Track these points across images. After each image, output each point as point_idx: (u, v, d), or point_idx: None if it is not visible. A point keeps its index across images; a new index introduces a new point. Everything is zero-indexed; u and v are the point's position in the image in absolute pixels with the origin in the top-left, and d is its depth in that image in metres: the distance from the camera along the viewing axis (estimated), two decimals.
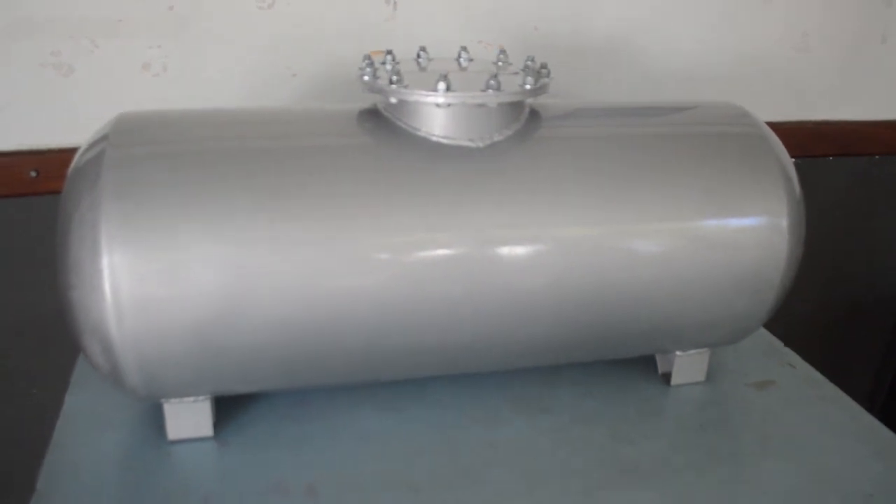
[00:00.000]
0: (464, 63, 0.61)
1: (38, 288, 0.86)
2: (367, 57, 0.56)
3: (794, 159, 1.07)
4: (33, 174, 0.80)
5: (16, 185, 0.80)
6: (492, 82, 0.50)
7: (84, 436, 0.58)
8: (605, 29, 0.92)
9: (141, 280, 0.47)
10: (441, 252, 0.52)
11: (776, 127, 1.01)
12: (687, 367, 0.66)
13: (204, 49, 0.80)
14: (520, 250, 0.53)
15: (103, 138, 0.52)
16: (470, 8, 0.86)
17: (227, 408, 0.60)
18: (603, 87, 0.94)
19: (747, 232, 0.58)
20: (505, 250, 0.53)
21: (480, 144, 0.53)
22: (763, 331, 0.76)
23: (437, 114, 0.52)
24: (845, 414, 0.64)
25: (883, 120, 1.08)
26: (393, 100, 0.52)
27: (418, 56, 0.61)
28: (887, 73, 1.06)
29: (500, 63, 0.60)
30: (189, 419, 0.56)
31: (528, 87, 0.52)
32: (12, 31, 0.74)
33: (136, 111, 0.56)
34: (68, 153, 0.80)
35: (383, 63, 0.59)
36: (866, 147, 1.09)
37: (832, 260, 1.17)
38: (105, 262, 0.47)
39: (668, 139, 0.59)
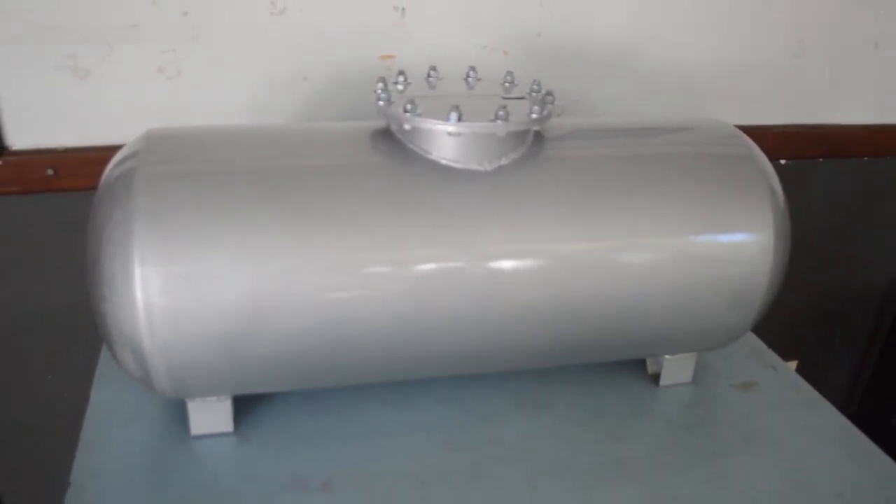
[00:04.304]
0: (472, 83, 0.64)
1: (55, 281, 0.89)
2: (382, 79, 0.59)
3: (786, 161, 1.11)
4: (50, 172, 0.83)
5: (33, 183, 0.83)
6: (500, 112, 0.53)
7: (111, 432, 0.62)
8: (606, 35, 0.94)
9: (171, 294, 0.51)
10: (450, 268, 0.55)
11: (770, 130, 1.06)
12: (675, 369, 0.70)
13: (217, 53, 0.83)
14: (522, 265, 0.57)
15: (133, 155, 0.55)
16: (476, 14, 0.88)
17: (246, 404, 0.64)
18: (602, 91, 0.97)
19: (735, 247, 0.62)
20: (508, 265, 0.57)
21: (488, 168, 0.56)
22: (748, 333, 0.80)
23: (447, 140, 0.55)
24: (822, 417, 0.69)
25: (874, 124, 1.12)
26: (407, 126, 0.55)
27: (429, 75, 0.64)
28: (879, 79, 1.09)
29: (506, 84, 0.63)
30: (211, 416, 0.60)
31: (534, 115, 0.55)
32: (32, 35, 0.77)
33: (164, 128, 0.59)
34: (83, 153, 0.84)
35: (395, 83, 0.62)
36: (856, 150, 1.13)
37: (820, 258, 1.22)
38: (137, 277, 0.50)
39: (663, 159, 0.62)
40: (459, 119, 0.53)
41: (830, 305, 1.28)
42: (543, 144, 0.60)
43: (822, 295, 1.27)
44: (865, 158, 1.15)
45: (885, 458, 0.63)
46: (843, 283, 1.27)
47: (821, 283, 1.25)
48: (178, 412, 0.62)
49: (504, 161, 0.57)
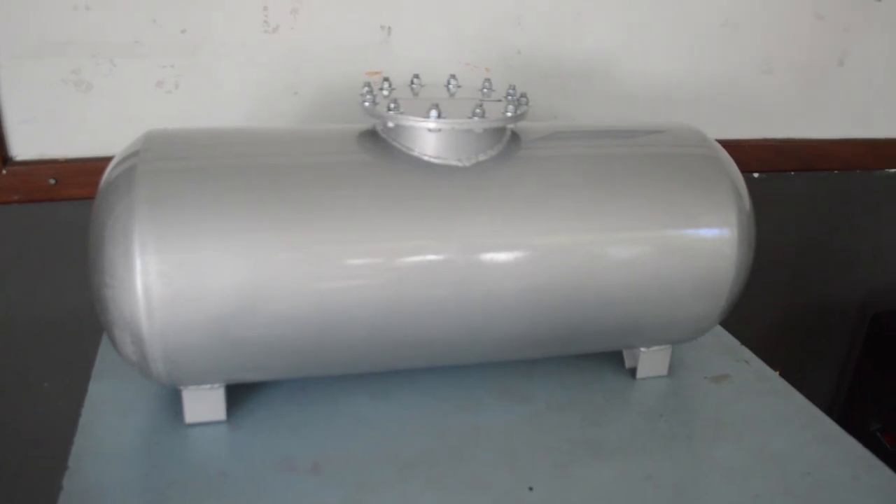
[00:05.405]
0: (452, 89, 0.68)
1: (55, 287, 0.92)
2: (367, 84, 0.63)
3: (758, 174, 1.16)
4: (52, 182, 0.86)
5: (36, 192, 0.87)
6: (477, 110, 0.58)
7: (108, 420, 0.64)
8: (582, 53, 0.99)
9: (169, 280, 0.54)
10: (431, 258, 0.59)
11: (742, 144, 1.11)
12: (651, 362, 0.73)
13: (213, 68, 0.87)
14: (501, 257, 0.61)
15: (134, 154, 0.59)
16: (458, 33, 0.93)
17: (238, 395, 0.67)
18: (579, 106, 1.02)
19: (701, 242, 0.66)
20: (488, 257, 0.60)
21: (467, 164, 0.60)
22: (722, 330, 0.83)
23: (428, 137, 0.59)
24: (791, 405, 0.72)
25: (841, 138, 1.17)
26: (390, 124, 0.59)
27: (412, 82, 0.68)
28: (845, 95, 1.15)
29: (484, 90, 0.67)
30: (205, 404, 0.63)
31: (508, 114, 0.60)
32: (39, 50, 0.81)
33: (162, 129, 0.62)
34: (84, 163, 0.87)
35: (381, 89, 0.66)
36: (826, 163, 1.18)
37: (793, 267, 1.26)
38: (137, 263, 0.54)
39: (633, 159, 0.67)
40: (439, 116, 0.57)
41: (809, 316, 1.32)
42: (520, 143, 0.64)
43: (801, 306, 1.30)
44: (836, 171, 1.20)
45: (849, 440, 0.66)
46: (821, 293, 1.31)
47: (798, 294, 1.29)
48: (172, 404, 0.65)
49: (482, 157, 0.61)
